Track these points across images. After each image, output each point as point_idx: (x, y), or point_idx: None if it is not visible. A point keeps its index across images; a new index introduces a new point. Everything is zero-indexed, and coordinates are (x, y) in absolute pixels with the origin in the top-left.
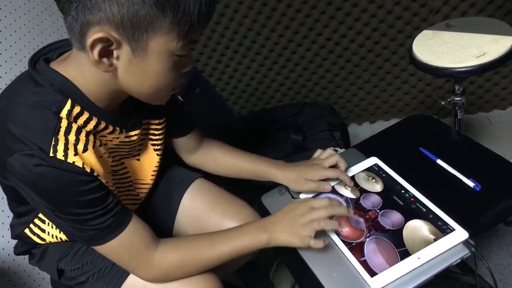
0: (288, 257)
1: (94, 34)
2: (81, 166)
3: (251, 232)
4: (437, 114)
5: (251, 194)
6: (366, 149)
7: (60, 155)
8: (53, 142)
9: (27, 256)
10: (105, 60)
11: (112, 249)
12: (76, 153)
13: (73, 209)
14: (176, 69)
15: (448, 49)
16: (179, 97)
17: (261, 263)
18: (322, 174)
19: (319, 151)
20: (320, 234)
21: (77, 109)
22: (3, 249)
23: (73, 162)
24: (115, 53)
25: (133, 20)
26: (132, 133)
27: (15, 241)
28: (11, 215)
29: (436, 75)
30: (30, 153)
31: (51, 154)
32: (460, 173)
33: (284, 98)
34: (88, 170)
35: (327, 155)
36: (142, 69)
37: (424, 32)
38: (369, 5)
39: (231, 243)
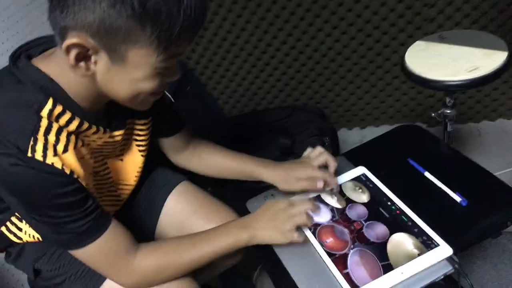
0: (270, 266)
1: (70, 39)
2: (60, 167)
3: (232, 231)
4: (427, 123)
5: (238, 197)
6: (355, 157)
7: (38, 155)
8: (31, 142)
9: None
10: (82, 64)
11: (89, 254)
12: (55, 154)
13: (50, 212)
14: (158, 79)
15: (440, 61)
16: (168, 94)
17: (244, 268)
18: (311, 173)
19: (309, 149)
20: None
21: (58, 109)
22: None
23: (52, 163)
24: (93, 58)
25: (108, 30)
26: (116, 133)
27: None
28: None
29: (427, 87)
30: (7, 153)
31: (29, 155)
32: (448, 186)
33: (275, 100)
34: (68, 172)
35: (317, 154)
36: (121, 77)
37: (418, 42)
38: (364, 11)
39: (212, 243)
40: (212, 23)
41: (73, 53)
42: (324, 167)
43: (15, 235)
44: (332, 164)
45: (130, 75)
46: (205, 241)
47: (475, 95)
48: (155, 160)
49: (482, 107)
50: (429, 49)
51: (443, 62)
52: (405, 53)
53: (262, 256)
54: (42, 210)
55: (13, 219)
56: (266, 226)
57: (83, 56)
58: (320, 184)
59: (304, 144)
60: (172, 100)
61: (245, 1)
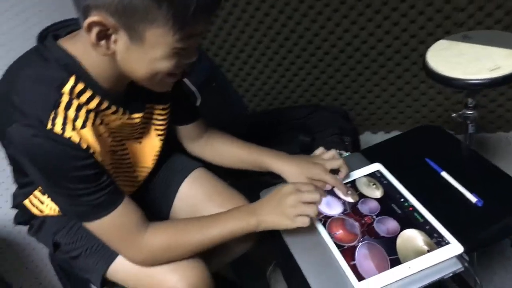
0: (279, 256)
1: (91, 17)
2: (77, 141)
3: (240, 215)
4: (454, 130)
5: (253, 189)
6: (371, 155)
7: (58, 128)
8: (52, 115)
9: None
10: (103, 43)
11: (103, 227)
12: (73, 129)
13: (66, 183)
14: (175, 59)
15: (462, 60)
16: (194, 88)
17: (258, 263)
18: (323, 177)
19: (321, 149)
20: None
21: (80, 86)
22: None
23: (70, 137)
24: (113, 37)
25: (127, 9)
26: (135, 115)
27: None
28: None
29: (448, 85)
30: (29, 124)
31: (49, 127)
32: (464, 187)
33: (300, 99)
34: (84, 147)
35: (330, 157)
36: (140, 56)
37: (440, 42)
38: (400, 17)
39: (219, 226)
40: (240, 20)
41: (94, 31)
42: (336, 171)
43: (37, 208)
44: (344, 171)
45: (148, 54)
46: (213, 224)
47: (505, 104)
48: (173, 146)
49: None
50: (451, 48)
51: (465, 60)
52: (426, 52)
53: (275, 248)
54: (58, 181)
55: (36, 192)
56: (274, 211)
57: (104, 35)
58: (328, 188)
59: (325, 142)
60: (198, 95)
61: (273, 0)
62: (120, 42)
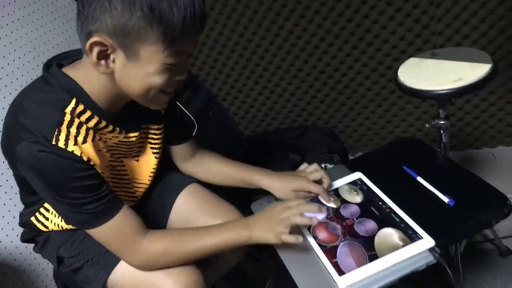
0: (267, 255)
1: (92, 39)
2: (79, 155)
3: (233, 228)
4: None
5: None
6: (354, 166)
7: (61, 143)
8: (56, 133)
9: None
10: (102, 62)
11: (104, 233)
12: (75, 143)
13: (69, 193)
14: (167, 75)
15: (429, 74)
16: (191, 116)
17: (256, 279)
18: (306, 187)
19: (305, 164)
20: (297, 233)
21: (80, 107)
22: (11, 250)
23: (72, 150)
24: (111, 56)
25: (123, 29)
26: (131, 134)
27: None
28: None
29: (417, 96)
30: (36, 140)
31: (53, 142)
32: (437, 189)
33: (286, 120)
34: (85, 159)
35: (313, 170)
36: (136, 73)
37: (411, 59)
38: (373, 38)
39: (213, 237)
40: (234, 52)
41: (95, 51)
42: (319, 182)
43: (42, 224)
44: (326, 181)
45: (143, 70)
46: (208, 234)
47: (488, 120)
48: (168, 164)
49: (496, 132)
50: (421, 65)
51: (432, 75)
52: (398, 68)
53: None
54: (62, 192)
55: (42, 209)
56: (262, 227)
57: (104, 55)
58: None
59: (315, 160)
60: (195, 122)
61: (255, 26)
62: (118, 61)
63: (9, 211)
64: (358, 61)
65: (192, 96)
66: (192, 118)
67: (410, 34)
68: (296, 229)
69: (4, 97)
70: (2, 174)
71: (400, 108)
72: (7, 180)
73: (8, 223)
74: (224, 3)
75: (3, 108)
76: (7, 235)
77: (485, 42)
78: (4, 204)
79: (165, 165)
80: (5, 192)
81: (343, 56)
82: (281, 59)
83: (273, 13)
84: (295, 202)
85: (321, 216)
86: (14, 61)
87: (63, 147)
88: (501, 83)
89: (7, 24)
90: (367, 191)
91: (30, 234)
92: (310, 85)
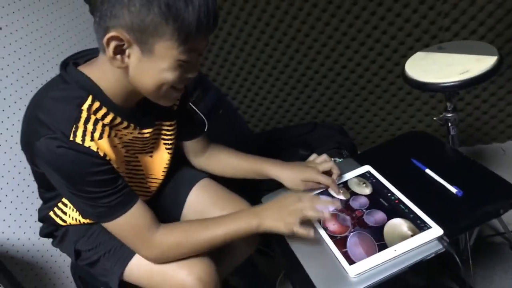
0: (278, 247)
1: (110, 33)
2: (95, 150)
3: (244, 217)
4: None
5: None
6: (363, 159)
7: (78, 139)
8: (73, 129)
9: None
10: (118, 57)
11: (119, 226)
12: (92, 139)
13: (86, 187)
14: (179, 72)
15: (436, 67)
16: (201, 114)
17: (268, 274)
18: (316, 178)
19: (314, 155)
20: (308, 226)
21: (96, 104)
22: (29, 247)
23: (89, 146)
24: (127, 52)
25: (140, 25)
26: (145, 130)
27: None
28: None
29: (423, 89)
30: (54, 137)
31: (71, 138)
32: (445, 180)
33: (295, 118)
34: (102, 155)
35: (322, 160)
36: (149, 68)
37: (418, 53)
38: (380, 34)
39: (224, 226)
40: (243, 51)
41: (112, 45)
42: (328, 173)
43: (60, 218)
44: (336, 171)
45: (156, 65)
46: (219, 224)
47: (497, 115)
48: (180, 159)
49: (505, 127)
50: (427, 58)
51: (439, 68)
52: (405, 62)
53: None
54: (79, 186)
55: (60, 204)
56: (273, 216)
57: (120, 50)
58: (322, 188)
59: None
60: (206, 121)
61: (263, 26)
62: (133, 56)
63: (26, 209)
64: (366, 58)
65: (203, 96)
66: (203, 117)
67: (418, 30)
68: (307, 223)
69: (20, 98)
70: (19, 173)
71: (408, 104)
72: (24, 179)
73: (25, 221)
74: (233, 3)
75: (19, 109)
76: (24, 232)
77: (492, 36)
78: (22, 203)
79: (178, 161)
80: (22, 191)
81: (351, 53)
82: (289, 57)
83: (281, 11)
84: (308, 196)
85: (332, 208)
86: (29, 63)
87: (80, 142)
88: (510, 77)
89: (22, 27)
90: (376, 183)
91: (49, 228)
92: (319, 83)
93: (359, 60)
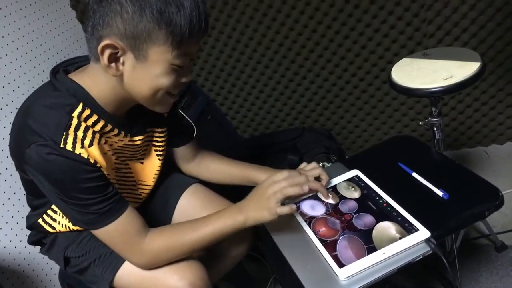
0: (268, 251)
1: (104, 41)
2: (86, 157)
3: (228, 214)
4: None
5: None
6: (351, 163)
7: (69, 146)
8: (64, 136)
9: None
10: (113, 65)
11: (109, 233)
12: (82, 146)
13: (76, 194)
14: (173, 77)
15: (421, 73)
16: (190, 121)
17: (259, 278)
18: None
19: (304, 163)
20: (289, 204)
21: (87, 112)
22: (15, 255)
23: (80, 153)
24: (121, 59)
25: (133, 32)
26: (136, 138)
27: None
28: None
29: (409, 94)
30: (44, 144)
31: (61, 145)
32: (432, 184)
33: (283, 123)
34: (92, 162)
35: (311, 168)
36: (144, 74)
37: (403, 59)
38: (366, 41)
39: (211, 225)
40: (231, 57)
41: (106, 54)
42: (318, 180)
43: (50, 225)
44: (325, 177)
45: (151, 71)
46: (206, 223)
47: (481, 120)
48: (171, 165)
49: (489, 131)
50: (412, 64)
51: (423, 73)
52: (391, 68)
53: (264, 248)
54: (70, 193)
55: (49, 211)
56: (255, 206)
57: (114, 57)
58: (311, 193)
59: (312, 160)
60: (195, 127)
61: (251, 32)
62: (127, 63)
63: (12, 216)
64: (352, 64)
65: (191, 102)
66: (192, 123)
67: (403, 36)
68: (286, 202)
69: (7, 105)
70: (5, 180)
71: (394, 109)
72: (10, 186)
73: (12, 228)
74: (220, 10)
75: (5, 116)
76: (11, 240)
77: (475, 43)
78: (8, 210)
79: (168, 167)
80: (9, 198)
81: (338, 59)
82: (277, 63)
83: (268, 18)
84: (280, 176)
85: (321, 212)
86: (15, 69)
87: (71, 149)
88: (492, 82)
89: (8, 34)
90: (364, 187)
91: (37, 236)
92: (306, 88)
93: (345, 66)
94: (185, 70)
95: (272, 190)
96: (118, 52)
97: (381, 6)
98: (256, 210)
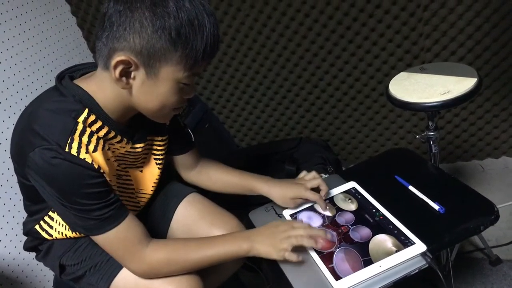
0: (265, 263)
1: (118, 57)
2: (90, 162)
3: (235, 240)
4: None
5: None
6: (348, 175)
7: (74, 151)
8: (69, 140)
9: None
10: (124, 79)
11: (109, 239)
12: (87, 151)
13: (79, 199)
14: (179, 94)
15: (418, 87)
16: (190, 131)
17: (253, 287)
18: (304, 195)
19: (304, 172)
20: (298, 250)
21: (92, 117)
22: (9, 262)
23: (84, 158)
24: (132, 74)
25: (149, 50)
26: (137, 145)
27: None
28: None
29: (406, 109)
30: (49, 147)
31: (66, 150)
32: (428, 197)
33: (280, 133)
34: (96, 167)
35: (311, 177)
36: (152, 90)
37: (401, 74)
38: (364, 53)
39: (215, 248)
40: (230, 67)
41: (119, 69)
42: (317, 190)
43: (46, 232)
44: (324, 188)
45: (159, 88)
46: (210, 245)
47: (476, 133)
48: (169, 174)
49: (484, 145)
50: (410, 79)
51: (421, 88)
52: (389, 82)
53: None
54: (72, 198)
55: (46, 218)
56: (265, 241)
57: (125, 72)
58: (309, 204)
59: (310, 170)
60: (192, 136)
61: (250, 42)
62: (138, 78)
63: (7, 222)
64: (350, 76)
65: (189, 110)
66: (190, 132)
67: (400, 50)
68: (298, 248)
69: (4, 110)
70: (1, 186)
71: (391, 122)
72: (6, 192)
73: (6, 234)
74: (220, 19)
75: (3, 121)
76: (5, 246)
77: (472, 58)
78: (3, 216)
79: (167, 175)
80: (4, 204)
81: (336, 71)
82: (275, 73)
83: (268, 28)
84: (301, 224)
85: (318, 224)
86: (14, 74)
87: (76, 154)
88: (488, 97)
89: (8, 39)
90: (361, 200)
91: (33, 242)
92: (304, 99)
93: (343, 78)
94: (191, 87)
95: (288, 234)
96: (130, 67)
97: (379, 20)
98: (264, 245)
